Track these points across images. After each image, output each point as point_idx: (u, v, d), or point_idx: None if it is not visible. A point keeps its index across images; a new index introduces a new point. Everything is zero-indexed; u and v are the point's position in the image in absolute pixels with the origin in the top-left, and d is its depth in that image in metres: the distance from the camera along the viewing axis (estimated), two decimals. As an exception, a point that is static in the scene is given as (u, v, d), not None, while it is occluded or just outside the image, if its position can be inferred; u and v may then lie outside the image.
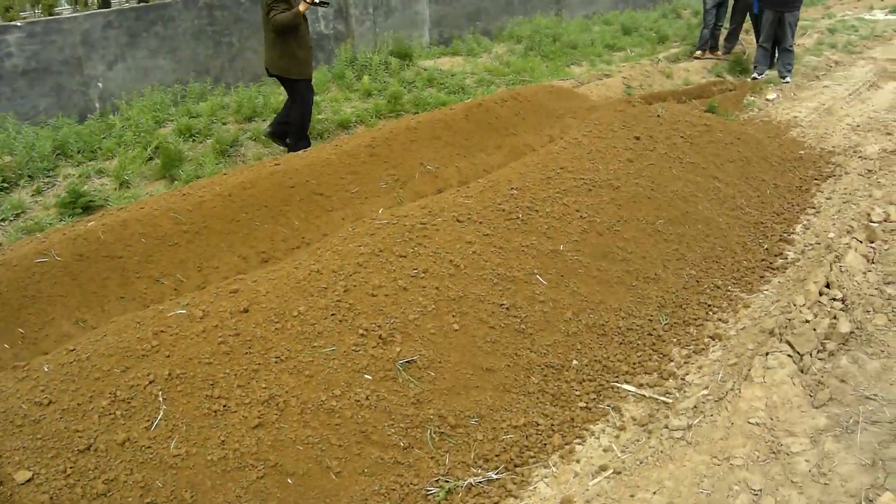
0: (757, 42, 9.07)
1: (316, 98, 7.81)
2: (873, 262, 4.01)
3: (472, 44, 11.02)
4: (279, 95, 7.64)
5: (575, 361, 3.17)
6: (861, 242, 4.21)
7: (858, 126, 7.06)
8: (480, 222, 3.64)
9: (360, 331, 2.97)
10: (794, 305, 3.48)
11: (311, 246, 3.75)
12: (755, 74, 8.86)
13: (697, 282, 3.91)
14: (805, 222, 4.87)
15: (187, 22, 8.28)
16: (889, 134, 6.75)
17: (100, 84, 7.42)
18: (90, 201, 4.97)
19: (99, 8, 8.26)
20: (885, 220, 4.46)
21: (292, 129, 5.80)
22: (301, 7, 5.09)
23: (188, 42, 8.32)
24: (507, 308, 3.27)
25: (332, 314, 3.02)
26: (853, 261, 3.87)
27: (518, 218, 3.73)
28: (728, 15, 10.31)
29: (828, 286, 3.70)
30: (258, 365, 2.75)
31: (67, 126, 6.21)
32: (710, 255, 4.15)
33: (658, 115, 5.36)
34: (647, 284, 3.72)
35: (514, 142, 5.84)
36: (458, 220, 3.61)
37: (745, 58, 9.56)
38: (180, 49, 8.23)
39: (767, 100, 7.89)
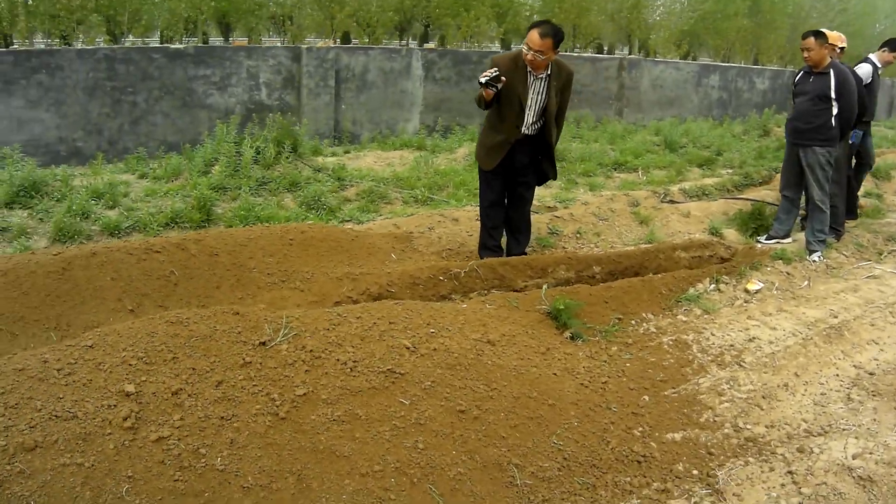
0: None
1: (127, 186, 6.15)
2: None
3: (447, 136, 8.97)
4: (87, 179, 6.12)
5: None
6: None
7: (872, 375, 3.79)
8: None
9: None
10: None
11: None
12: (762, 237, 5.71)
13: None
14: None
15: (80, 73, 7.19)
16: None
17: (-41, 133, 6.56)
18: None
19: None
20: None
21: None
22: (485, 93, 4.40)
23: (78, 96, 7.24)
24: None
25: None
26: None
27: None
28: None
29: None
30: None
31: None
32: None
33: (408, 348, 2.82)
34: None
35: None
36: None
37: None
38: (67, 103, 7.15)
39: (746, 291, 4.76)
